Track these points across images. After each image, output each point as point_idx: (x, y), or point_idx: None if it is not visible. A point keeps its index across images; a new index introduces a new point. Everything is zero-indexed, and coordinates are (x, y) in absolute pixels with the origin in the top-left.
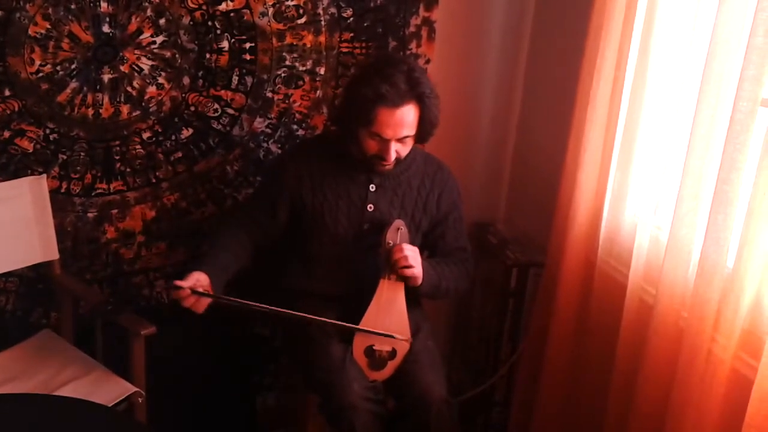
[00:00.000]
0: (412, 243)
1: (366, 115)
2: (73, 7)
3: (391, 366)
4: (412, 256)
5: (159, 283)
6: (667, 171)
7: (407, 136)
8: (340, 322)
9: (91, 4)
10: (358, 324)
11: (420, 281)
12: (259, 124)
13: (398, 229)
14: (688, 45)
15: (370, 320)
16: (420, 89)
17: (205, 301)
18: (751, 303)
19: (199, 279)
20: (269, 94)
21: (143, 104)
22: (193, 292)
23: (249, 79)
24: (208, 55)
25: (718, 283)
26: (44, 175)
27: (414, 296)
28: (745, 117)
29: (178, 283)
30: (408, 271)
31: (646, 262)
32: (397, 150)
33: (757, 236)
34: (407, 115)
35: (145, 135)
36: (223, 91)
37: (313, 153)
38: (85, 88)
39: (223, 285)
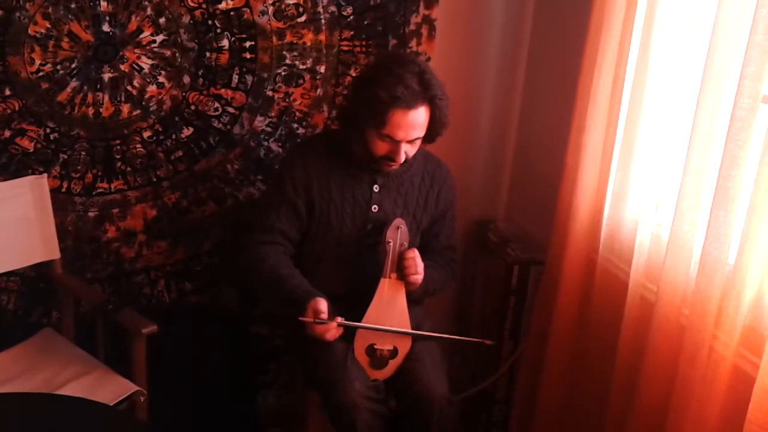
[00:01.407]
0: (412, 241)
1: (379, 116)
2: (73, 6)
3: (392, 365)
4: (420, 264)
5: (160, 282)
6: (668, 168)
7: (417, 138)
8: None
9: (91, 4)
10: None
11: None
12: (260, 122)
13: (398, 227)
14: (688, 42)
15: (371, 319)
16: (432, 91)
17: (341, 330)
18: (753, 300)
19: (326, 307)
20: (269, 93)
21: (143, 103)
22: (338, 324)
23: (249, 78)
24: (208, 54)
25: (719, 280)
26: (45, 175)
27: (411, 296)
28: (746, 114)
29: (323, 316)
30: (416, 278)
31: (647, 259)
32: (406, 151)
33: (758, 233)
34: (419, 117)
35: (146, 134)
36: (223, 90)
37: (319, 153)
38: (85, 88)
39: None
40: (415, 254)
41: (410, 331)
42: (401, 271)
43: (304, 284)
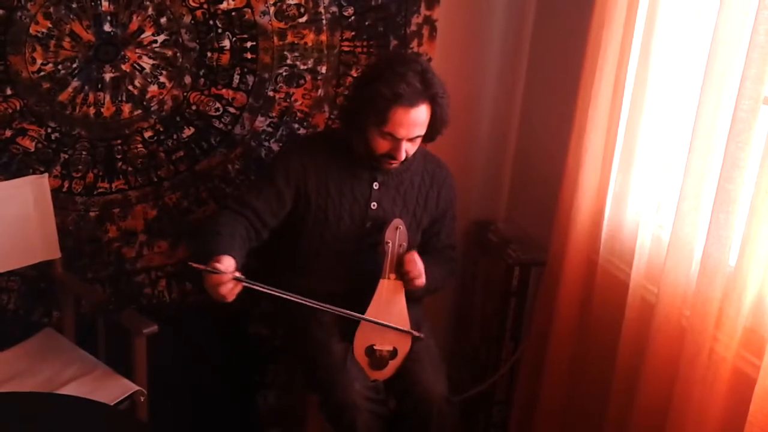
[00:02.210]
0: (412, 241)
1: (381, 114)
2: (74, 6)
3: (391, 366)
4: (420, 267)
5: (161, 282)
6: (669, 169)
7: (418, 136)
8: (371, 319)
9: (92, 3)
10: (359, 325)
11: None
12: (261, 122)
13: (397, 228)
14: (689, 43)
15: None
16: (433, 89)
17: (238, 288)
18: (754, 301)
19: (231, 264)
20: (270, 93)
21: (145, 103)
22: (234, 278)
23: (250, 78)
24: (209, 54)
25: (720, 282)
26: (46, 174)
27: (407, 297)
28: (747, 115)
29: (218, 266)
30: (420, 281)
31: (648, 260)
32: (407, 149)
33: (759, 234)
34: (421, 115)
35: (147, 134)
36: (224, 90)
37: (318, 149)
38: (86, 87)
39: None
40: (414, 257)
41: (319, 304)
42: (400, 272)
43: (225, 246)
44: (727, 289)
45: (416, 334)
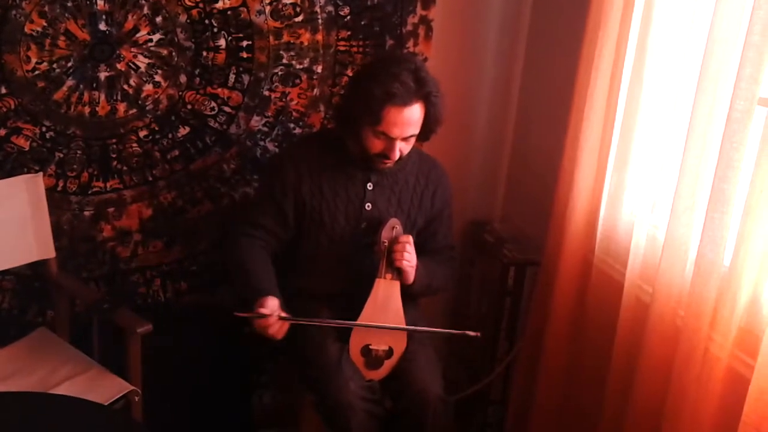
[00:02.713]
0: None
1: (373, 113)
2: (69, 4)
3: (387, 365)
4: (411, 251)
5: (156, 281)
6: (664, 169)
7: (412, 135)
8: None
9: (88, 2)
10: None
11: (413, 278)
12: (256, 122)
13: (393, 228)
14: (685, 43)
15: (366, 319)
16: (427, 88)
17: (287, 325)
18: (748, 301)
19: (275, 304)
20: (266, 93)
21: (140, 102)
22: (279, 317)
23: (246, 77)
24: (204, 53)
25: (714, 282)
26: (40, 174)
27: (407, 295)
28: (742, 115)
29: (264, 311)
30: (404, 263)
31: (643, 260)
32: (401, 148)
33: (753, 234)
34: (414, 114)
35: (142, 133)
36: (219, 89)
37: (311, 151)
38: (81, 86)
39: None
40: (406, 240)
41: (374, 324)
42: (396, 270)
43: (263, 282)
44: (721, 289)
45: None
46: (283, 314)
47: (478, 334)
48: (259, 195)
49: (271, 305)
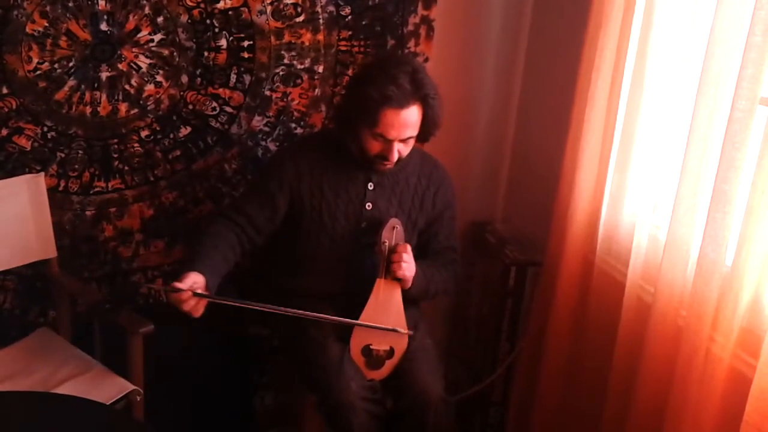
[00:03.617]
0: (408, 241)
1: (371, 115)
2: (70, 4)
3: (388, 365)
4: (409, 260)
5: (157, 282)
6: (666, 170)
7: (410, 137)
8: (335, 318)
9: (89, 2)
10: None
11: (409, 285)
12: (258, 122)
13: (394, 228)
14: (686, 44)
15: (367, 319)
16: (424, 90)
17: (203, 303)
18: (750, 301)
19: (196, 281)
20: (267, 93)
21: (141, 102)
22: (194, 294)
23: (247, 78)
24: (206, 53)
25: (716, 282)
26: (42, 173)
27: (407, 299)
28: (744, 116)
29: (177, 285)
30: (400, 273)
31: (645, 260)
32: (399, 150)
33: (755, 234)
34: (411, 116)
35: (144, 133)
36: (221, 90)
37: (312, 151)
38: (82, 86)
39: (216, 286)
40: (404, 250)
41: (281, 309)
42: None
43: (197, 259)
44: (723, 289)
45: (406, 332)
46: (200, 291)
47: (410, 332)
48: (251, 184)
49: (190, 281)
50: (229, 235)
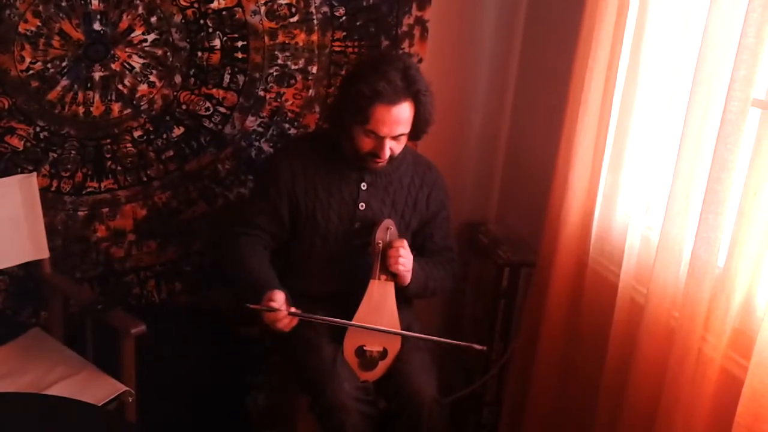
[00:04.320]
0: None
1: (362, 112)
2: (63, 4)
3: (382, 366)
4: (406, 254)
5: (150, 282)
6: (659, 171)
7: (402, 134)
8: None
9: (82, 2)
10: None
11: (408, 281)
12: (251, 122)
13: (387, 228)
14: (679, 46)
15: (361, 320)
16: (416, 87)
17: (295, 321)
18: (742, 302)
19: (282, 298)
20: (261, 93)
21: (134, 102)
22: (289, 313)
23: (241, 78)
24: (199, 54)
25: (708, 283)
26: (34, 174)
27: (403, 296)
28: (736, 117)
29: (273, 304)
30: (398, 268)
31: (637, 261)
32: (391, 147)
33: (747, 236)
34: (403, 113)
35: (136, 133)
36: (214, 90)
37: (305, 151)
38: (75, 86)
39: None
40: (400, 245)
41: (380, 327)
42: (391, 274)
43: (267, 276)
44: (715, 290)
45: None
46: (293, 309)
47: (485, 348)
48: (254, 195)
49: (280, 299)
50: (263, 251)
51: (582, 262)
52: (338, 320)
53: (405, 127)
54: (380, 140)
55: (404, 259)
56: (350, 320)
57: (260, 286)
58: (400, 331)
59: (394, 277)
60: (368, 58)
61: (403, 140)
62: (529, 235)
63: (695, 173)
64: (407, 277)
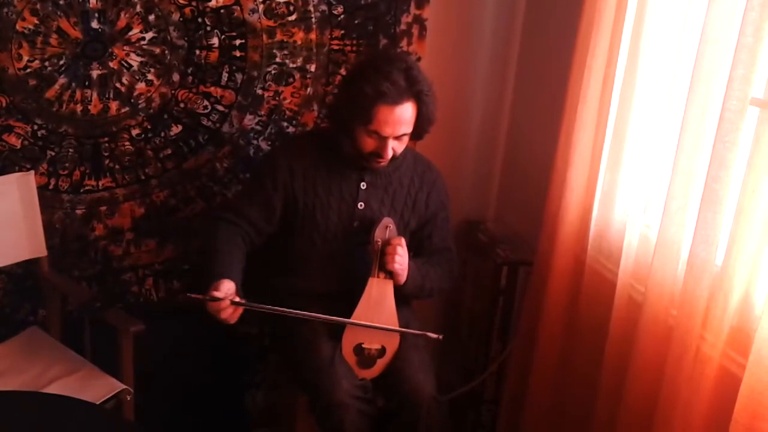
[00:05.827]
0: None
1: (365, 112)
2: (61, 2)
3: (380, 364)
4: (402, 252)
5: (148, 280)
6: (657, 169)
7: (405, 134)
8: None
9: (80, 0)
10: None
11: (404, 280)
12: (249, 121)
13: (387, 227)
14: (677, 44)
15: (360, 318)
16: (418, 87)
17: (240, 311)
18: (740, 301)
19: (230, 288)
20: (259, 91)
21: (132, 101)
22: (231, 302)
23: (239, 76)
24: (197, 52)
25: (706, 281)
26: (32, 172)
27: (402, 296)
28: (735, 116)
29: (217, 294)
30: (395, 266)
31: (636, 260)
32: (394, 147)
33: (745, 234)
34: (406, 113)
35: (134, 131)
36: (212, 88)
37: (305, 149)
38: (73, 84)
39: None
40: (398, 243)
41: (320, 316)
42: (388, 272)
43: (224, 266)
44: (713, 289)
45: (409, 331)
46: (237, 299)
47: (440, 337)
48: (247, 186)
49: (225, 289)
50: (237, 240)
51: (580, 260)
52: (290, 311)
53: (408, 127)
54: (383, 140)
55: (400, 257)
56: (349, 318)
57: (214, 276)
58: (364, 322)
59: (391, 275)
60: (369, 57)
61: (406, 140)
62: (528, 234)
63: (693, 171)
64: (403, 275)
